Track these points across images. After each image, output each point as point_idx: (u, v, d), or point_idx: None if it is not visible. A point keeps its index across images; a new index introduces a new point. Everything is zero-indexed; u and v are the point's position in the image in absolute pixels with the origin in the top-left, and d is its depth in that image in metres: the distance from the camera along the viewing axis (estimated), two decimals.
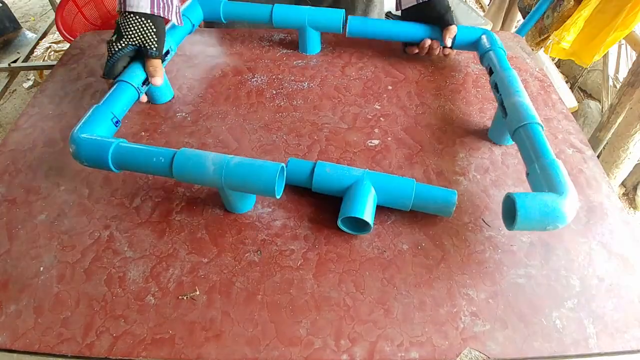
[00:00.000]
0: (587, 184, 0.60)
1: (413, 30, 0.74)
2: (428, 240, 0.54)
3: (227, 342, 0.45)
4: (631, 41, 1.27)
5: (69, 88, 0.75)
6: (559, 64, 2.03)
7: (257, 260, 0.52)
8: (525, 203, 0.44)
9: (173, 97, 0.73)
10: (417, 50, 0.77)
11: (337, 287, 0.49)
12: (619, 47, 1.57)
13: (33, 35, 2.20)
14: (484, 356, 0.44)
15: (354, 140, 0.65)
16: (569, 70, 1.97)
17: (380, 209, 0.56)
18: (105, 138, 0.54)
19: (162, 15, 0.63)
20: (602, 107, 1.63)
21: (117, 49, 0.61)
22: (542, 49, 1.41)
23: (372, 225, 0.51)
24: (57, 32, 1.73)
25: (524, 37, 1.24)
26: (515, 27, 1.85)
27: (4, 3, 2.10)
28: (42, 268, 0.51)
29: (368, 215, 0.50)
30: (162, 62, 0.66)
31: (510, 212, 0.47)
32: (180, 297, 0.48)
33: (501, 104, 0.59)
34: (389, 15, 1.84)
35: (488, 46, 0.69)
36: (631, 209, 1.56)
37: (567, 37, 1.28)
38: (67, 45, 1.61)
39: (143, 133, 0.67)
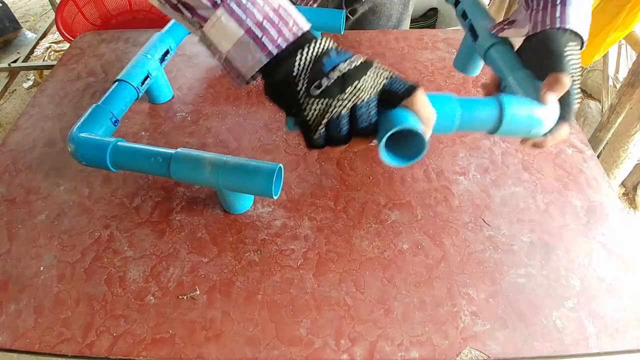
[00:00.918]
0: (587, 183, 0.60)
1: None
2: (428, 239, 0.54)
3: (227, 342, 0.45)
4: (631, 41, 1.27)
5: (69, 88, 0.75)
6: None
7: (257, 259, 0.52)
8: (511, 102, 0.43)
9: (173, 97, 0.73)
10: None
11: (337, 287, 0.49)
12: (619, 47, 1.57)
13: (33, 35, 2.21)
14: (484, 356, 0.44)
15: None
16: None
17: (381, 209, 0.56)
18: (103, 137, 0.53)
19: None
20: (602, 107, 1.63)
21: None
22: None
23: (426, 141, 0.37)
24: (57, 32, 1.73)
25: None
26: None
27: (4, 3, 2.10)
28: (42, 268, 0.51)
29: (418, 125, 0.37)
30: (161, 62, 0.65)
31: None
32: (180, 297, 0.48)
33: (470, 29, 0.57)
34: None
35: None
36: (631, 208, 1.56)
37: None
38: (67, 45, 1.61)
39: (143, 133, 0.67)
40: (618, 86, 1.40)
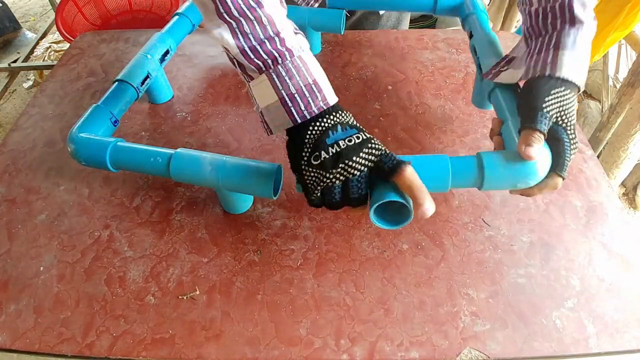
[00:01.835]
0: (587, 184, 0.60)
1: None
2: (428, 240, 0.54)
3: (227, 342, 0.45)
4: (631, 41, 1.27)
5: (68, 88, 0.75)
6: None
7: (257, 260, 0.52)
8: (491, 159, 0.43)
9: (173, 97, 0.73)
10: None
11: (337, 287, 0.49)
12: (619, 47, 1.57)
13: (33, 35, 2.21)
14: (484, 356, 0.44)
15: None
16: None
17: None
18: (103, 138, 0.53)
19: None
20: (602, 107, 1.63)
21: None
22: None
23: (411, 210, 0.39)
24: (57, 32, 1.73)
25: None
26: (515, 27, 1.85)
27: (4, 3, 2.10)
28: (42, 268, 0.51)
29: (407, 199, 0.40)
30: (161, 62, 0.65)
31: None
32: (180, 297, 0.48)
33: (479, 67, 0.58)
34: None
35: (470, 9, 0.68)
36: (631, 208, 1.56)
37: None
38: (67, 45, 1.61)
39: (143, 133, 0.67)
40: (618, 86, 1.40)
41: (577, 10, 0.45)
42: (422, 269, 0.51)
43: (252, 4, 0.40)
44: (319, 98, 0.41)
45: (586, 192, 0.59)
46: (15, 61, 1.84)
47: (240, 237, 0.54)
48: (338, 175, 0.40)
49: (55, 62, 1.31)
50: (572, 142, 0.44)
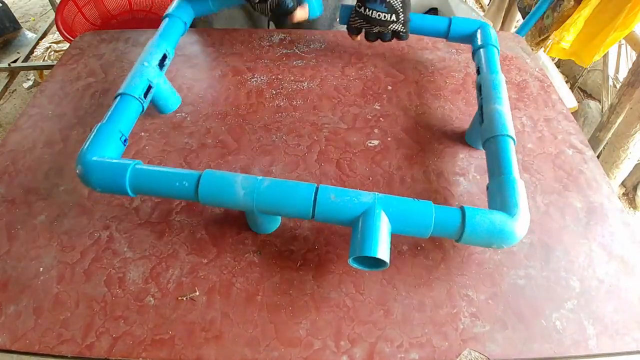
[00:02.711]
0: (587, 184, 0.60)
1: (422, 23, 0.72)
2: (428, 241, 0.53)
3: (227, 343, 0.45)
4: (631, 41, 1.27)
5: (68, 88, 0.75)
6: (559, 64, 2.03)
7: (257, 260, 0.52)
8: (474, 218, 0.44)
9: (181, 104, 0.71)
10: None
11: (336, 288, 0.49)
12: (619, 47, 1.57)
13: (33, 35, 2.20)
14: (484, 357, 0.44)
15: (354, 141, 0.65)
16: (569, 70, 1.97)
17: None
18: (118, 160, 0.50)
19: None
20: (602, 107, 1.63)
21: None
22: (542, 49, 1.41)
23: (388, 263, 0.44)
24: (57, 32, 1.73)
25: (523, 37, 1.23)
26: (515, 27, 1.85)
27: (3, 3, 2.10)
28: (41, 269, 0.51)
29: (383, 252, 0.43)
30: (161, 68, 0.63)
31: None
32: (179, 298, 0.48)
33: (480, 108, 0.58)
34: None
35: (480, 43, 0.67)
36: (631, 209, 1.55)
37: (567, 37, 1.28)
38: (67, 45, 1.61)
39: (143, 133, 0.67)
40: (618, 86, 1.40)
41: None
42: (421, 270, 0.51)
43: None
44: None
45: (586, 193, 0.59)
46: (15, 61, 1.84)
47: (240, 238, 0.54)
48: None
49: (55, 62, 1.31)
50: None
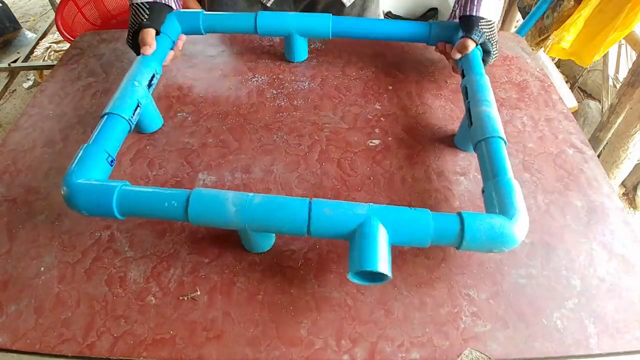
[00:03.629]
0: (588, 184, 0.60)
1: (402, 29, 0.72)
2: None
3: (228, 343, 0.45)
4: (631, 41, 1.27)
5: (69, 88, 0.75)
6: (559, 64, 2.03)
7: (258, 260, 0.52)
8: (473, 224, 0.44)
9: (163, 124, 0.68)
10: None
11: (338, 288, 0.49)
12: (619, 47, 1.57)
13: (33, 35, 2.20)
14: (485, 356, 0.44)
15: (355, 140, 0.65)
16: (569, 70, 1.97)
17: None
18: (104, 182, 0.48)
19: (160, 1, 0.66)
20: (602, 107, 1.63)
21: (129, 42, 0.67)
22: (542, 48, 1.41)
23: (390, 275, 0.42)
24: (57, 32, 1.73)
25: (524, 37, 1.23)
26: (515, 27, 1.85)
27: (4, 3, 2.10)
28: (42, 268, 0.51)
29: (383, 265, 0.42)
30: (149, 88, 0.61)
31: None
32: (181, 298, 0.48)
33: (468, 111, 0.58)
34: (389, 15, 1.84)
35: None
36: (631, 208, 1.56)
37: (567, 37, 1.28)
38: (67, 45, 1.61)
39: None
40: (618, 86, 1.40)
41: None
42: (422, 270, 0.51)
43: None
44: None
45: (587, 192, 0.59)
46: (15, 61, 1.84)
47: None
48: None
49: (55, 62, 1.31)
50: (494, 51, 0.67)
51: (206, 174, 0.61)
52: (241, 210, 0.45)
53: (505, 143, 0.53)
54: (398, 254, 0.52)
